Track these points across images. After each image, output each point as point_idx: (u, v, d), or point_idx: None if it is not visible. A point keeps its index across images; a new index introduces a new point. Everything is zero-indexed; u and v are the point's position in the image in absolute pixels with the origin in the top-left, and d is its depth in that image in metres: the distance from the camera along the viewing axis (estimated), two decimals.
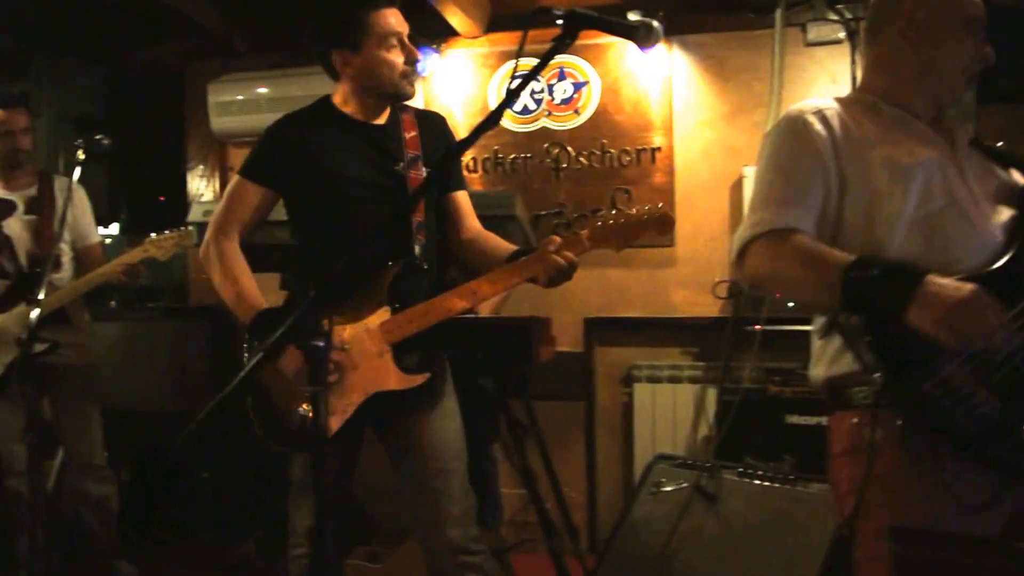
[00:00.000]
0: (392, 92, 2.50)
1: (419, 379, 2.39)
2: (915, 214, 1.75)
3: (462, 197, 2.63)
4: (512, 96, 1.77)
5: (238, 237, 2.50)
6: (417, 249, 2.48)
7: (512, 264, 2.34)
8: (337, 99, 2.56)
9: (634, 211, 2.31)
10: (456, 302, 2.34)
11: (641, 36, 1.87)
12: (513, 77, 1.80)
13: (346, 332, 2.39)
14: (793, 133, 1.84)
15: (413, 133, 2.56)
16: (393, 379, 2.37)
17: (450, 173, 2.63)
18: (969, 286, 1.58)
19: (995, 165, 1.92)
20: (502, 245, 2.53)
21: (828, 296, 1.68)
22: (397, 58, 2.45)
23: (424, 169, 2.52)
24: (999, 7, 3.66)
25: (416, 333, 2.36)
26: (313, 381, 2.32)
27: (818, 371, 1.90)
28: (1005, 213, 1.81)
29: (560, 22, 1.74)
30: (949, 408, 1.60)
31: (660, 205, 2.31)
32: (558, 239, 2.28)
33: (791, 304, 3.79)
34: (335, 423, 2.36)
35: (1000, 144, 1.97)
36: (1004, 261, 1.73)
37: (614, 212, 2.34)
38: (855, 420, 1.77)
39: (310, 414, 2.32)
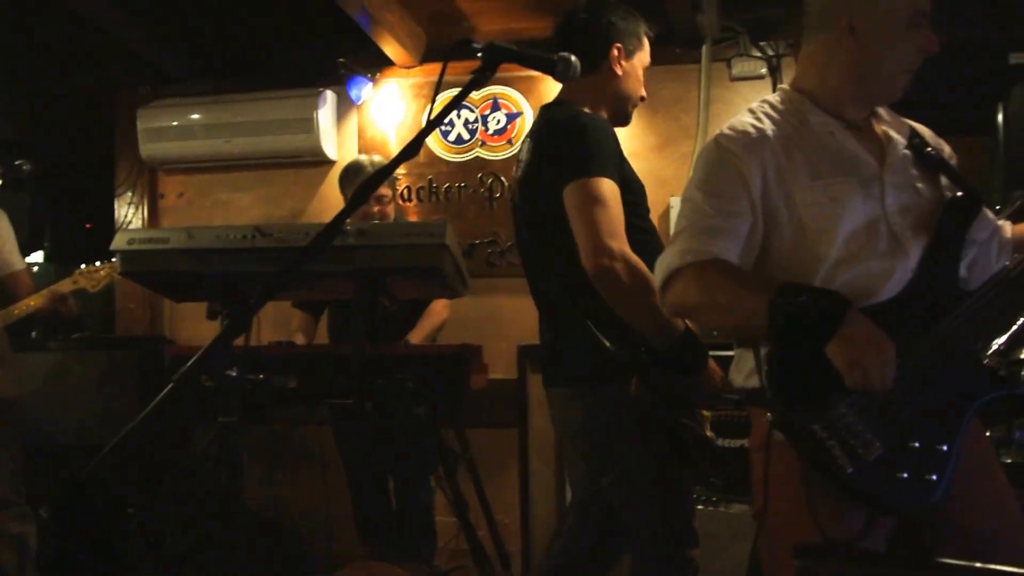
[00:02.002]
0: (621, 110, 2.56)
1: None
2: (837, 255, 1.76)
3: None
4: (430, 127, 1.77)
5: None
6: None
7: None
8: (593, 108, 2.46)
9: None
10: None
11: (559, 70, 1.90)
12: (432, 106, 1.81)
13: None
14: (721, 162, 1.83)
15: None
16: None
17: None
18: (882, 333, 1.61)
19: (922, 176, 1.87)
20: None
21: (755, 324, 1.69)
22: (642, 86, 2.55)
23: None
24: None
25: None
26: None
27: (736, 378, 1.92)
28: (922, 234, 1.80)
29: (480, 55, 1.76)
30: (832, 447, 1.62)
31: None
32: None
33: (715, 333, 3.84)
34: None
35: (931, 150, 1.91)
36: (901, 291, 1.75)
37: None
38: (764, 420, 1.75)
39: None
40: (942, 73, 4.17)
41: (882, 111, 1.94)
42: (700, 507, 3.28)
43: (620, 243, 2.18)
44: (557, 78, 1.88)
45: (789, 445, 1.67)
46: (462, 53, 1.76)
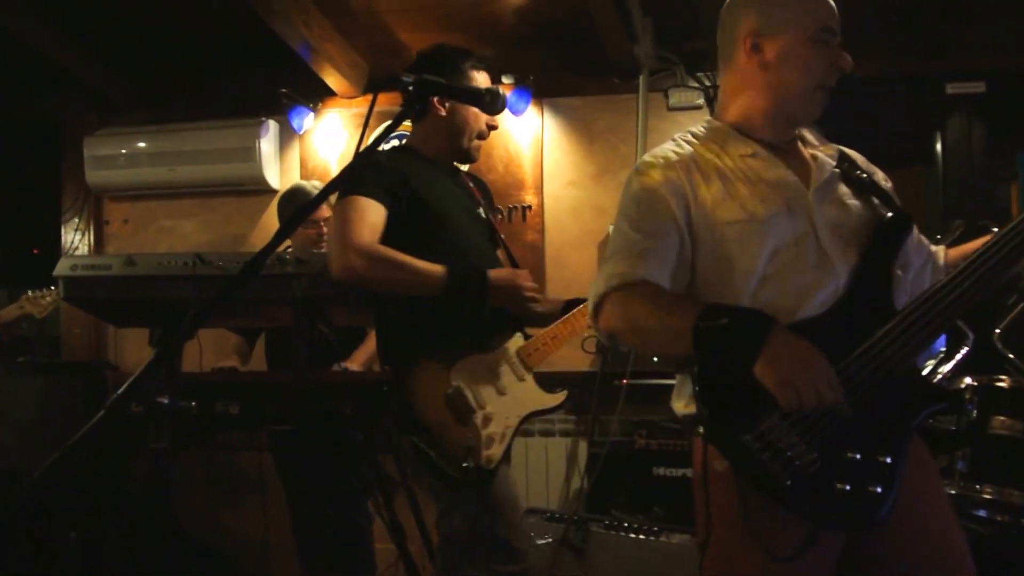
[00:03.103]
0: (457, 150, 2.64)
1: (561, 396, 2.59)
2: (764, 271, 1.75)
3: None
4: (360, 157, 1.82)
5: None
6: None
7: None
8: (419, 144, 2.64)
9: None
10: (580, 322, 2.55)
11: (487, 103, 1.97)
12: (361, 138, 1.86)
13: (489, 360, 2.50)
14: (645, 188, 1.82)
15: (471, 186, 2.76)
16: (542, 399, 2.54)
17: None
18: (809, 347, 1.59)
19: (852, 194, 1.87)
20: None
21: (681, 347, 1.68)
22: (481, 122, 2.60)
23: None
24: (869, 76, 3.89)
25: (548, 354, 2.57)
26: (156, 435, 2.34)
27: (678, 406, 1.88)
28: (852, 253, 1.79)
29: (410, 88, 1.82)
30: (767, 460, 1.60)
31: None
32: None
33: (656, 359, 3.92)
34: (496, 452, 2.42)
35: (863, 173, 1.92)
36: (831, 307, 1.74)
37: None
38: (705, 449, 1.73)
39: (475, 446, 2.39)
40: (882, 104, 4.32)
41: (809, 135, 1.95)
42: (641, 537, 3.31)
43: (359, 242, 2.35)
44: (484, 111, 1.95)
45: (729, 472, 1.65)
46: (389, 87, 1.82)
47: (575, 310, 2.59)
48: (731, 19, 1.90)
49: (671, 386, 1.96)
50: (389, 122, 1.83)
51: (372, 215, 2.40)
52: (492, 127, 2.65)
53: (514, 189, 4.47)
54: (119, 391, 1.70)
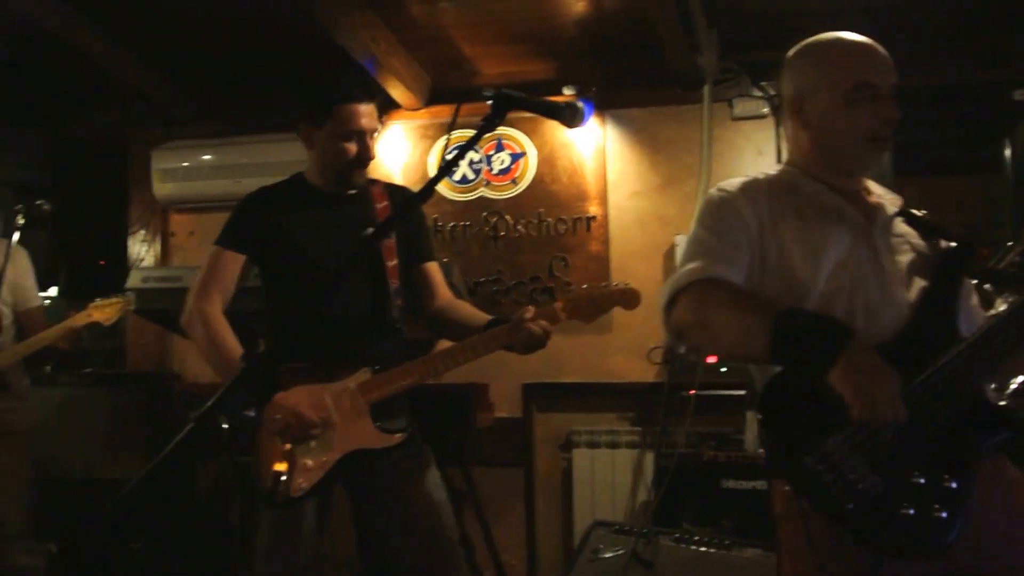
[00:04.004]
0: (337, 178, 2.61)
1: (397, 438, 2.47)
2: (825, 288, 1.77)
3: (432, 268, 2.75)
4: (446, 169, 1.84)
5: (220, 303, 2.56)
6: (395, 313, 2.59)
7: (490, 331, 2.46)
8: (308, 173, 2.68)
9: (603, 286, 2.50)
10: (436, 365, 2.45)
11: (566, 116, 1.96)
12: (447, 150, 1.87)
13: (325, 391, 2.44)
14: (724, 203, 1.89)
15: (384, 203, 2.67)
16: (372, 438, 2.44)
17: (419, 245, 2.73)
18: (885, 362, 1.59)
19: (918, 235, 1.92)
20: (476, 313, 2.66)
21: (756, 344, 1.67)
22: (351, 150, 2.55)
23: (395, 237, 2.62)
24: (914, 86, 3.89)
25: (393, 395, 2.46)
26: (239, 450, 2.39)
27: (749, 442, 1.94)
28: (918, 284, 1.82)
29: (490, 103, 1.83)
30: (830, 482, 1.59)
31: (628, 284, 2.51)
32: (533, 309, 2.41)
33: (724, 369, 3.89)
34: (307, 482, 2.40)
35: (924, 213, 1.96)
36: (905, 330, 1.75)
37: (585, 287, 2.50)
38: (786, 487, 1.75)
39: (284, 473, 2.38)
40: (949, 112, 4.28)
41: (873, 187, 1.99)
42: (712, 551, 3.26)
43: (195, 301, 2.53)
44: (564, 123, 1.94)
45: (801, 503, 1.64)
46: (473, 99, 1.82)
47: (432, 354, 2.51)
48: (781, 79, 1.99)
49: (739, 397, 1.98)
50: (472, 134, 1.82)
51: (225, 265, 2.57)
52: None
53: (578, 200, 4.46)
54: (208, 403, 1.72)
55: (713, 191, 1.94)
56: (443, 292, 2.74)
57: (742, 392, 3.72)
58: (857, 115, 1.83)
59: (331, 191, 2.64)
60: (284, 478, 2.37)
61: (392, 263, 2.61)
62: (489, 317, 2.56)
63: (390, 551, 2.54)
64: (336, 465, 2.42)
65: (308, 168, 2.69)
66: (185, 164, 4.78)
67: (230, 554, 4.12)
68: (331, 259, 2.52)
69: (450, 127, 1.87)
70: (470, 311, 2.70)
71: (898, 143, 2.07)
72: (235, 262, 2.59)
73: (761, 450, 1.88)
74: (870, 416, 1.55)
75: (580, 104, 1.94)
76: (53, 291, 5.24)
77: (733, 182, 1.93)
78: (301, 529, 2.48)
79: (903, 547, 1.61)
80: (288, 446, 2.41)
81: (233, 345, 2.48)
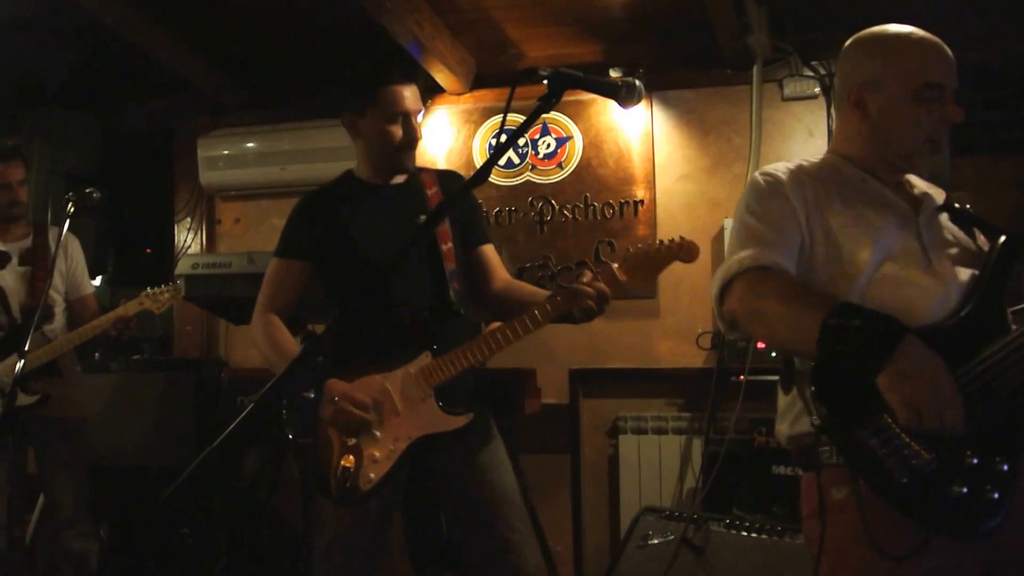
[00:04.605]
0: (386, 164, 2.60)
1: (463, 419, 2.45)
2: (873, 275, 1.76)
3: (488, 250, 2.73)
4: (501, 150, 1.81)
5: (282, 313, 2.60)
6: (452, 295, 2.56)
7: (548, 299, 2.42)
8: (356, 169, 2.68)
9: (660, 242, 2.43)
10: (496, 341, 2.42)
11: (623, 95, 1.92)
12: (501, 131, 1.85)
13: (387, 380, 2.44)
14: (771, 188, 1.87)
15: (434, 189, 2.65)
16: (438, 421, 2.43)
17: (474, 228, 2.71)
18: (940, 365, 1.57)
19: (961, 228, 1.93)
20: (536, 291, 2.62)
21: (803, 339, 1.65)
22: (397, 132, 2.54)
23: (449, 223, 2.61)
24: (972, 64, 3.79)
25: (456, 376, 2.44)
26: (298, 433, 2.37)
27: (782, 428, 1.88)
28: (964, 273, 1.81)
29: (545, 82, 1.80)
30: (884, 456, 1.58)
31: (683, 237, 2.43)
32: (590, 274, 2.39)
33: (774, 354, 3.82)
34: (376, 474, 2.39)
35: (968, 206, 1.98)
36: (962, 315, 1.73)
37: (640, 245, 2.44)
38: (819, 481, 1.74)
39: (351, 468, 2.37)
40: (1008, 91, 4.17)
41: (915, 180, 1.98)
42: (763, 537, 3.23)
43: (257, 314, 2.59)
44: (621, 102, 1.90)
45: (848, 500, 1.64)
46: (527, 80, 1.79)
47: (491, 330, 2.46)
48: (841, 68, 1.97)
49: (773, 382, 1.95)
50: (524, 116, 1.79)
51: (285, 275, 2.61)
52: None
53: (624, 184, 4.41)
54: (268, 385, 1.72)
55: (757, 176, 1.92)
56: (501, 274, 2.71)
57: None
58: (921, 114, 1.83)
59: (381, 183, 2.63)
60: (352, 473, 2.35)
61: (447, 246, 2.59)
62: (549, 293, 2.52)
63: (454, 533, 2.54)
64: (405, 453, 2.40)
65: (356, 164, 2.69)
66: (231, 152, 4.81)
67: (278, 541, 4.16)
68: (388, 250, 2.52)
69: (506, 108, 1.82)
70: (530, 290, 2.67)
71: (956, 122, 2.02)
72: (294, 271, 2.60)
73: (794, 433, 1.85)
74: (916, 426, 1.55)
75: (637, 83, 1.89)
76: (98, 280, 5.29)
77: (777, 167, 1.92)
78: (367, 525, 2.47)
79: (953, 526, 1.60)
80: (352, 440, 2.40)
81: (293, 348, 2.52)
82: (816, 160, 1.96)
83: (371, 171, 2.64)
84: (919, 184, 1.98)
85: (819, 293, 1.77)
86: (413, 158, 2.63)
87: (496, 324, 2.49)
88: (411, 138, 2.57)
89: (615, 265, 2.40)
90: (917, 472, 1.57)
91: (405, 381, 2.44)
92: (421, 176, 2.68)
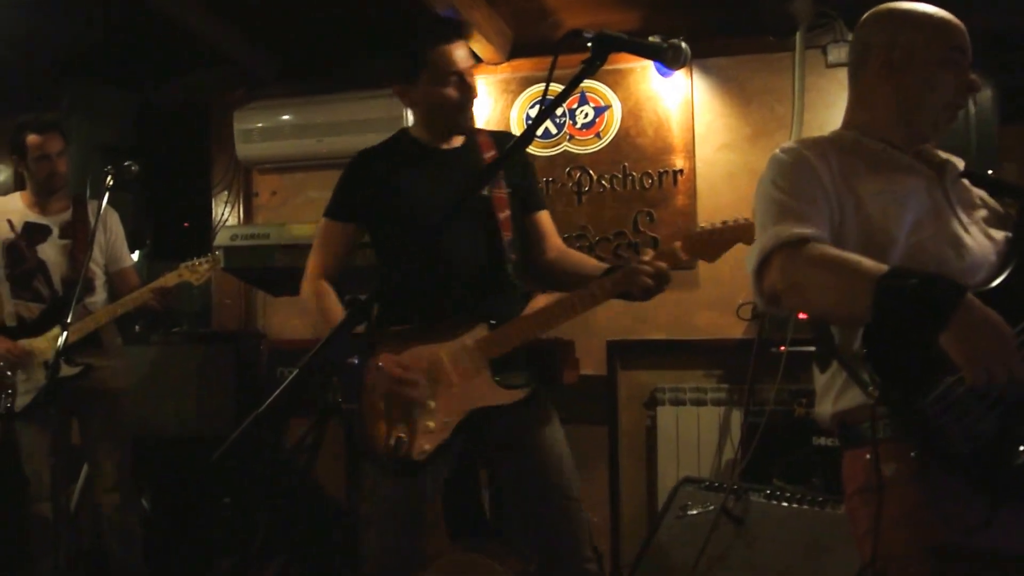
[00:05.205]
0: (444, 126, 2.57)
1: (519, 393, 2.45)
2: (907, 241, 1.74)
3: (544, 217, 2.70)
4: (547, 112, 1.79)
5: (331, 274, 2.60)
6: (509, 267, 2.53)
7: (609, 277, 2.39)
8: (413, 128, 2.65)
9: (725, 223, 2.41)
10: (555, 316, 2.39)
11: (670, 57, 1.89)
12: (544, 98, 1.82)
13: (442, 349, 2.41)
14: (797, 162, 1.84)
15: (491, 153, 2.61)
16: (493, 394, 2.41)
17: (530, 194, 2.68)
18: (1001, 321, 1.53)
19: (985, 194, 1.93)
20: (591, 261, 2.62)
21: (856, 305, 1.60)
22: (452, 93, 2.50)
23: (506, 187, 2.57)
24: (1020, 31, 3.70)
25: (514, 349, 2.42)
26: (345, 398, 2.38)
27: (824, 407, 1.84)
28: (997, 235, 1.82)
29: (590, 45, 1.76)
30: (946, 425, 1.55)
31: (748, 218, 2.37)
32: (651, 252, 2.38)
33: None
34: (430, 443, 2.38)
35: (991, 172, 2.00)
36: (1004, 277, 1.71)
37: (705, 226, 2.43)
38: (868, 456, 1.70)
39: (404, 437, 2.36)
40: None
41: (932, 149, 1.98)
42: (804, 507, 3.20)
43: (307, 277, 2.59)
44: (667, 64, 1.87)
45: (898, 475, 1.63)
46: (570, 45, 1.76)
47: (549, 305, 2.42)
48: (865, 32, 1.95)
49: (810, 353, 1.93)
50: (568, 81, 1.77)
51: (333, 236, 2.62)
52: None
53: (664, 153, 4.36)
54: (312, 350, 1.71)
55: (778, 152, 1.89)
56: (555, 242, 2.69)
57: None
58: (948, 79, 1.85)
59: (438, 146, 2.60)
60: (405, 443, 2.35)
61: (504, 214, 2.54)
62: (605, 265, 2.49)
63: (509, 502, 2.54)
64: (459, 425, 2.39)
65: (413, 124, 2.65)
66: (267, 124, 4.80)
67: (318, 511, 4.19)
68: (436, 213, 2.50)
69: (549, 74, 1.79)
70: (585, 259, 2.66)
71: (1006, 89, 2.00)
72: (343, 232, 2.60)
73: (839, 410, 1.82)
74: (984, 383, 1.50)
75: (684, 45, 1.85)
76: (136, 254, 5.33)
77: (795, 143, 1.91)
78: (416, 495, 2.47)
79: (1018, 491, 1.58)
80: (406, 411, 2.39)
81: (339, 313, 2.51)
82: (829, 135, 1.95)
83: (428, 133, 2.61)
84: (936, 153, 1.97)
85: (863, 259, 1.72)
86: (472, 117, 2.59)
87: (546, 297, 2.46)
88: (468, 96, 2.53)
89: (677, 244, 2.38)
90: (979, 439, 1.55)
91: (461, 353, 2.42)
92: (478, 139, 2.63)
